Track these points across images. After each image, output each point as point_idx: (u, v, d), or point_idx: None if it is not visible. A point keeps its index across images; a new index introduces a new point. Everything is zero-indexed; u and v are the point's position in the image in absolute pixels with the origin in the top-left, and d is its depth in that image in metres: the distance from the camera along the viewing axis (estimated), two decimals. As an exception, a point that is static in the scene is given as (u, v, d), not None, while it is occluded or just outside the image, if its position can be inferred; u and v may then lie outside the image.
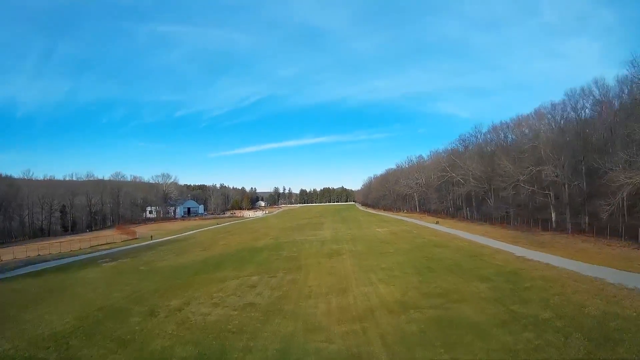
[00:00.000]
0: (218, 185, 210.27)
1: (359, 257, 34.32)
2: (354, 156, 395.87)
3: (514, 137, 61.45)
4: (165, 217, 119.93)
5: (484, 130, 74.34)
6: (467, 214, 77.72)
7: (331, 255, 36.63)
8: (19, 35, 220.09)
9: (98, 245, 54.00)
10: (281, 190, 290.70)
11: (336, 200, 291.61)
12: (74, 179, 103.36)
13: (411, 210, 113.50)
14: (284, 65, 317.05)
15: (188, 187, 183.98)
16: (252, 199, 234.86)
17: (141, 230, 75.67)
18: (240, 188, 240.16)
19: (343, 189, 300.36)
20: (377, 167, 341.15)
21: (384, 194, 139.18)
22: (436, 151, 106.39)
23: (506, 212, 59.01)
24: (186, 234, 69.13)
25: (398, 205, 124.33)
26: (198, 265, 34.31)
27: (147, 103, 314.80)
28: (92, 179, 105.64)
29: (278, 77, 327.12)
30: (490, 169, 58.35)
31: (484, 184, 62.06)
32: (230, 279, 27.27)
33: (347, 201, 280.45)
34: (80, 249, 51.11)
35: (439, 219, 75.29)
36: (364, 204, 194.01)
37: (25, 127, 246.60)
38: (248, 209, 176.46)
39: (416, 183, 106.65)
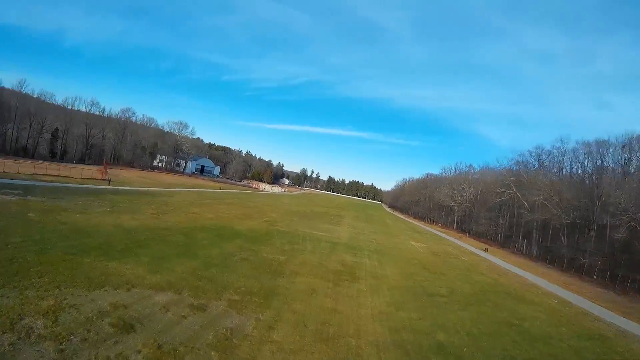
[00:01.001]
0: (244, 152, 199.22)
1: (389, 295, 20.40)
2: (388, 157, 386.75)
3: (623, 160, 44.31)
4: (174, 170, 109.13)
5: (571, 146, 56.65)
6: (522, 246, 61.66)
7: (340, 277, 22.13)
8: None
9: (47, 175, 41.54)
10: (309, 173, 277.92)
11: (363, 196, 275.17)
12: (76, 107, 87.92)
13: (447, 225, 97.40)
14: (335, 54, 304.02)
15: (211, 145, 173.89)
16: (276, 175, 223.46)
17: (128, 175, 63.30)
18: (267, 160, 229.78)
19: (372, 187, 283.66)
20: (409, 173, 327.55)
21: (417, 200, 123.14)
22: (488, 165, 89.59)
23: (581, 258, 43.22)
24: (170, 189, 54.51)
25: (433, 215, 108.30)
26: (113, 237, 20.18)
27: (196, 60, 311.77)
28: (95, 112, 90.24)
29: (328, 63, 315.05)
30: (587, 198, 42.16)
31: (566, 214, 45.82)
32: (113, 287, 13.26)
33: (374, 199, 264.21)
34: (18, 172, 38.26)
35: (487, 246, 59.87)
36: (392, 207, 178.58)
37: (71, 56, 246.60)
38: (269, 183, 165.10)
39: (461, 195, 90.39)
